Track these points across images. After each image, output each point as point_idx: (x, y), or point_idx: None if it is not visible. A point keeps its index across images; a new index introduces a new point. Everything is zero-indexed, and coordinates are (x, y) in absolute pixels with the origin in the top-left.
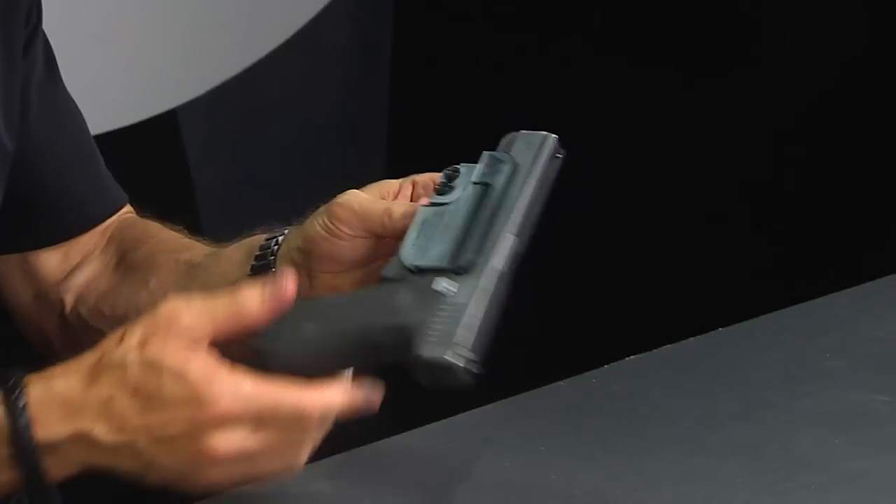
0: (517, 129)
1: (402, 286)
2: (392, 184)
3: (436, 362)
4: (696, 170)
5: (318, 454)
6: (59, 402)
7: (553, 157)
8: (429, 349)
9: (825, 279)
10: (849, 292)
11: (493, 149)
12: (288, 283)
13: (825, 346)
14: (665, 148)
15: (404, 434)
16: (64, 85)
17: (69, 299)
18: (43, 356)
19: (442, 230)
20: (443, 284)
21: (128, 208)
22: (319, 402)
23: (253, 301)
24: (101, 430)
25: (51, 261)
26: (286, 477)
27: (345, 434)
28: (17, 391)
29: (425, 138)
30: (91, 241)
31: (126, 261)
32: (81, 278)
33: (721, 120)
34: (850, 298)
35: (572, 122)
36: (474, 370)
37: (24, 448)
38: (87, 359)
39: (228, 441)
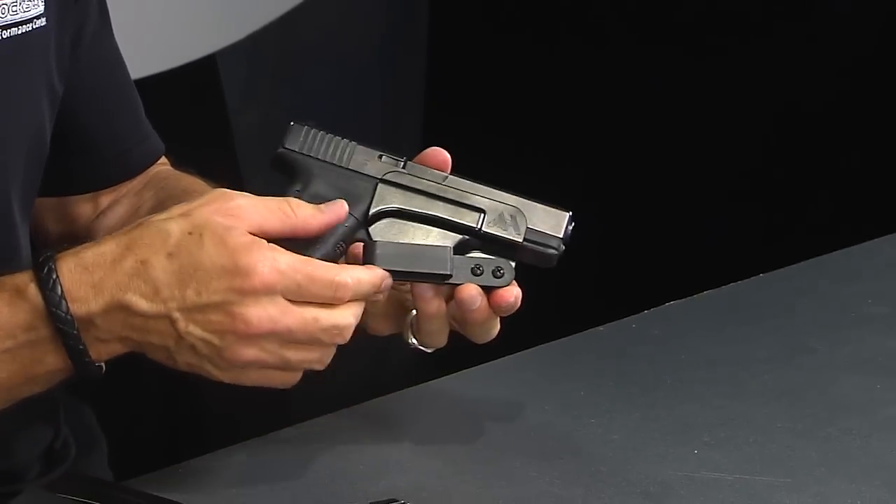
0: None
1: None
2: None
3: None
4: (739, 120)
5: (359, 396)
6: (91, 271)
7: None
8: None
9: (866, 225)
10: (890, 238)
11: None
12: (343, 204)
13: (866, 292)
14: (708, 97)
15: (444, 378)
16: (112, 33)
17: None
18: None
19: None
20: None
21: (163, 158)
22: (353, 274)
23: (306, 209)
24: (134, 297)
25: (85, 203)
26: (312, 368)
27: (386, 377)
28: (47, 266)
29: (462, 82)
30: (126, 186)
31: (163, 208)
32: (112, 220)
33: (773, 71)
34: (891, 244)
35: (613, 79)
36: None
37: (61, 324)
38: (124, 229)
39: (262, 313)
